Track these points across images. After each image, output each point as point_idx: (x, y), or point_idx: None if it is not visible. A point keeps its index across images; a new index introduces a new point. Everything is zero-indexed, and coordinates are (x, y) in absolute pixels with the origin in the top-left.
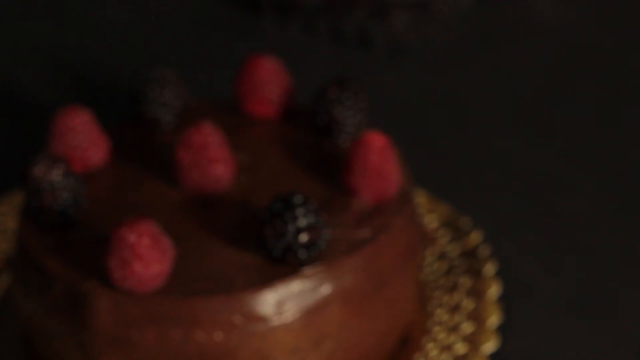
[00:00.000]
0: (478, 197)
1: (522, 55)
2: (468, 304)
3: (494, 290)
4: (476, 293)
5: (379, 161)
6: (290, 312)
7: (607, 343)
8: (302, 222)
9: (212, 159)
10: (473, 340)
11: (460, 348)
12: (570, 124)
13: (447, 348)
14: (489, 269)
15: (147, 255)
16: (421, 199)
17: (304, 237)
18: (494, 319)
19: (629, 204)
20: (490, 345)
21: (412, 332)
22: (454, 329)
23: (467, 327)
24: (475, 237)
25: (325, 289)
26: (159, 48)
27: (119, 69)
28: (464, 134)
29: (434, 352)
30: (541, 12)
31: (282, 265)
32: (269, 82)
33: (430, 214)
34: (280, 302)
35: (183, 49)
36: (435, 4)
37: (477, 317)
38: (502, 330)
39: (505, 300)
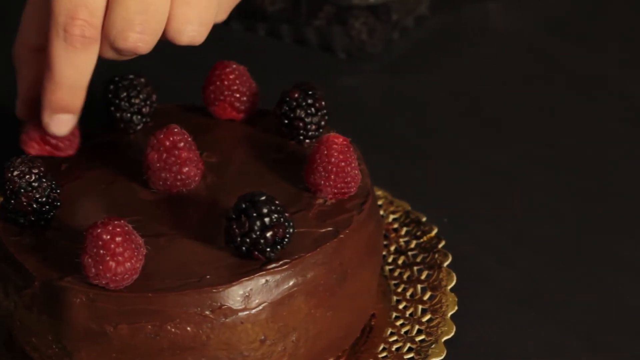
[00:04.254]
0: (435, 194)
1: (477, 58)
2: (427, 296)
3: (450, 282)
4: (434, 285)
5: (340, 160)
6: (258, 305)
7: (557, 332)
8: (267, 219)
9: (181, 160)
10: (432, 330)
11: (420, 337)
12: (523, 123)
13: (409, 338)
14: (446, 262)
15: (119, 253)
16: (380, 196)
17: (269, 234)
18: (451, 309)
19: (580, 198)
20: (447, 334)
21: (375, 323)
22: (415, 319)
23: (426, 317)
24: (432, 232)
25: (291, 283)
26: None
27: (94, 75)
28: (421, 134)
29: (396, 342)
30: (494, 17)
31: (249, 261)
32: (235, 86)
33: (389, 211)
34: (248, 296)
35: (153, 56)
36: (394, 9)
37: (435, 307)
38: (459, 319)
39: (461, 291)
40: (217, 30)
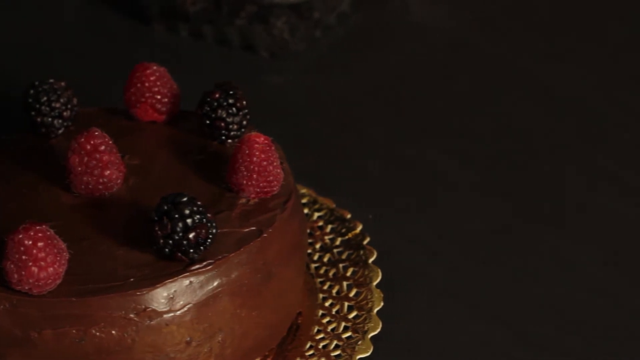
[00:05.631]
0: (359, 191)
1: (400, 54)
2: (353, 292)
3: (376, 278)
4: (360, 282)
5: (262, 160)
6: (182, 307)
7: (485, 325)
8: (190, 220)
9: (103, 163)
10: (358, 326)
11: (348, 334)
12: (447, 118)
13: (335, 335)
14: (371, 258)
15: (42, 258)
16: (304, 195)
17: (191, 235)
18: (377, 305)
19: (505, 192)
20: (374, 330)
21: (302, 321)
22: (341, 316)
23: (353, 314)
24: (357, 228)
25: (215, 284)
26: (52, 57)
27: (14, 79)
28: (345, 131)
29: (323, 339)
30: (416, 12)
31: (172, 262)
32: (155, 87)
33: (313, 209)
34: (172, 297)
35: (75, 58)
36: (316, 6)
37: (361, 304)
38: (385, 315)
39: (387, 287)
40: (139, 32)
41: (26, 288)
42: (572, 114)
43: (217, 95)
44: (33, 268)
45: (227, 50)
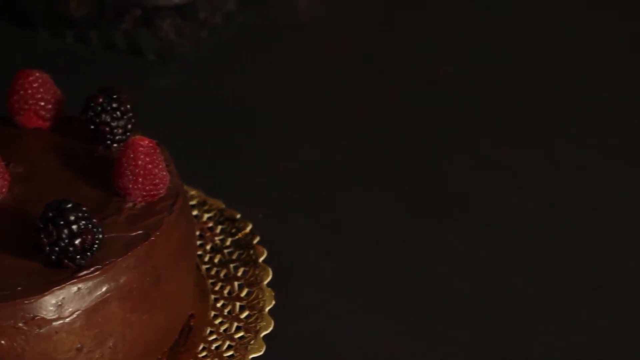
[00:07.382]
0: (249, 191)
1: (287, 52)
2: (244, 292)
3: (267, 277)
4: (251, 281)
5: (147, 163)
6: (72, 314)
7: (379, 321)
8: (75, 227)
9: None
10: (250, 326)
11: (240, 334)
12: (335, 115)
13: (228, 336)
14: (261, 257)
15: None
16: (194, 196)
17: (77, 241)
18: (269, 304)
19: (394, 187)
20: (266, 329)
21: (194, 323)
22: (233, 317)
23: (245, 314)
24: (246, 228)
25: (104, 289)
26: None
27: None
28: (233, 131)
29: (215, 340)
30: (302, 11)
31: (59, 269)
32: (39, 94)
33: (203, 210)
34: (61, 305)
35: None
36: (201, 7)
37: (253, 303)
38: (278, 314)
39: (279, 286)
40: (24, 38)
41: None
42: (463, 108)
43: (100, 100)
44: None
45: (113, 54)
